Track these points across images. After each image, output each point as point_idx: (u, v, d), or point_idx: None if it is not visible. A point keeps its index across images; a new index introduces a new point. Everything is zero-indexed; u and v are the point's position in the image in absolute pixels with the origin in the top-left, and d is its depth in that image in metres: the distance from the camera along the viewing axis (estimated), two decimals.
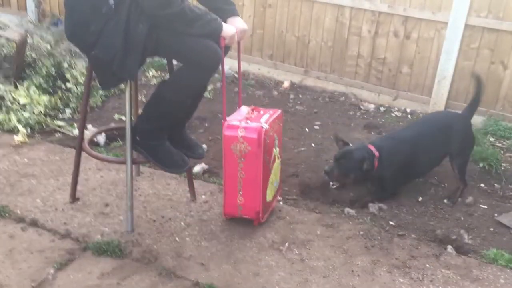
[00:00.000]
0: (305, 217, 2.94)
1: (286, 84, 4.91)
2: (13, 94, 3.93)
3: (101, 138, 3.64)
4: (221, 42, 2.44)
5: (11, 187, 2.99)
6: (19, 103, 3.86)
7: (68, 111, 4.04)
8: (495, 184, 3.47)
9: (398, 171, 3.16)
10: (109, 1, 2.28)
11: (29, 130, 3.64)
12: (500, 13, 4.06)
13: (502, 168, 3.58)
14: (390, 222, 2.98)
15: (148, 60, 4.74)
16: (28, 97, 3.92)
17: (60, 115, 3.99)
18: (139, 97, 3.42)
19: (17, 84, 4.15)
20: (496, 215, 3.13)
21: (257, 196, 2.68)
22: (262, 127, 2.59)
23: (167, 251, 2.55)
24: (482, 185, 3.46)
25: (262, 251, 2.61)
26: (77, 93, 4.18)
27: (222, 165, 2.69)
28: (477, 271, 2.58)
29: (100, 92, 4.25)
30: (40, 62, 4.37)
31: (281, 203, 3.07)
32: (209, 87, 4.53)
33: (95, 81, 2.59)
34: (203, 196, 3.05)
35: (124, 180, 2.92)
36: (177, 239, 2.66)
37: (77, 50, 4.75)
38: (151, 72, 4.78)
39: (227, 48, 2.56)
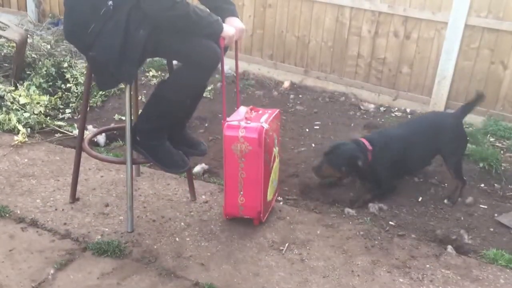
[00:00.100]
0: (305, 217, 2.94)
1: (286, 84, 4.91)
2: (13, 94, 3.93)
3: (101, 138, 3.64)
4: (220, 42, 2.45)
5: (11, 187, 2.99)
6: (19, 103, 3.86)
7: (68, 111, 4.04)
8: (495, 184, 3.47)
9: (391, 166, 3.16)
10: (108, 2, 2.28)
11: (29, 130, 3.64)
12: (500, 13, 4.06)
13: (502, 168, 3.58)
14: (390, 222, 2.98)
15: (148, 60, 4.75)
16: (28, 97, 3.92)
17: (60, 115, 3.99)
18: (139, 97, 3.42)
19: (17, 84, 4.16)
20: (496, 215, 3.13)
21: (259, 195, 2.69)
22: (263, 127, 2.59)
23: (167, 251, 2.55)
24: (482, 185, 3.46)
25: (262, 251, 2.61)
26: (77, 93, 4.18)
27: (222, 165, 2.69)
28: (477, 271, 2.59)
29: (100, 92, 4.25)
30: (40, 62, 4.37)
31: (281, 203, 3.07)
32: (209, 87, 4.53)
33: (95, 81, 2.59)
34: (203, 196, 3.05)
35: (124, 180, 2.92)
36: (177, 239, 2.66)
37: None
38: (151, 72, 4.78)
39: (225, 48, 2.56)
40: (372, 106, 4.60)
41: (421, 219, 3.05)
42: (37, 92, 4.06)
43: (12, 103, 3.87)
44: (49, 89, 4.20)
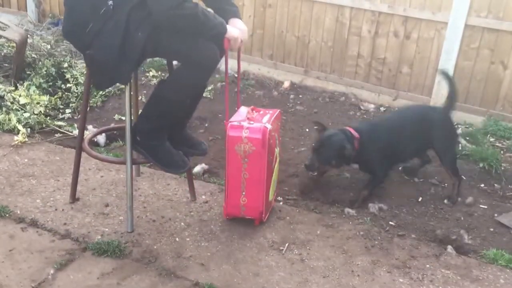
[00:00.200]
0: (305, 217, 2.94)
1: (286, 84, 4.90)
2: (13, 94, 3.93)
3: (101, 138, 3.64)
4: (225, 43, 2.45)
5: (11, 187, 2.99)
6: (19, 103, 3.86)
7: (68, 111, 4.04)
8: (495, 184, 3.47)
9: (378, 153, 3.16)
10: (108, 2, 2.28)
11: (29, 130, 3.64)
12: (500, 13, 4.06)
13: (502, 168, 3.58)
14: (390, 222, 2.98)
15: (148, 60, 4.76)
16: (28, 97, 3.92)
17: (60, 115, 3.99)
18: (139, 97, 3.42)
19: (17, 84, 4.15)
20: (496, 215, 3.13)
21: (261, 196, 2.69)
22: (266, 127, 2.59)
23: (167, 251, 2.55)
24: (482, 185, 3.46)
25: (262, 251, 2.61)
26: (77, 93, 4.18)
27: (223, 166, 2.70)
28: (477, 271, 2.59)
29: (100, 92, 4.25)
30: (40, 62, 4.37)
31: (281, 203, 3.07)
32: (209, 87, 4.53)
33: None
34: (203, 196, 3.05)
35: (124, 180, 2.92)
36: (177, 239, 2.66)
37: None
38: (151, 72, 4.78)
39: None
40: (372, 106, 4.60)
41: (421, 219, 3.05)
42: (37, 92, 4.06)
43: (12, 103, 3.87)
44: (49, 89, 4.20)
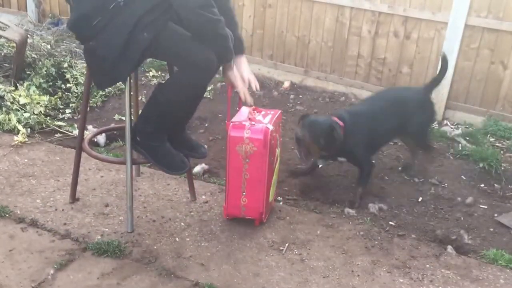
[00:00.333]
0: (305, 217, 2.94)
1: (286, 84, 4.90)
2: (13, 94, 3.93)
3: (101, 138, 3.64)
4: (228, 90, 2.56)
5: (11, 187, 2.99)
6: (19, 103, 3.86)
7: (68, 111, 4.04)
8: (495, 184, 3.47)
9: (363, 141, 3.16)
10: None
11: (29, 130, 3.64)
12: (500, 13, 4.06)
13: (502, 168, 3.58)
14: (390, 222, 2.98)
15: (148, 60, 4.75)
16: (28, 97, 3.92)
17: (60, 115, 3.99)
18: (139, 97, 3.42)
19: (17, 84, 4.15)
20: (496, 215, 3.13)
21: (261, 196, 2.69)
22: (268, 128, 2.59)
23: (167, 251, 2.55)
24: (482, 185, 3.46)
25: (262, 251, 2.61)
26: (77, 93, 4.18)
27: (223, 166, 2.70)
28: (477, 271, 2.59)
29: (100, 92, 4.25)
30: (40, 62, 4.37)
31: (281, 203, 3.07)
32: (209, 87, 4.52)
33: None
34: (203, 197, 3.05)
35: (124, 180, 2.92)
36: (177, 239, 2.66)
37: (78, 50, 4.79)
38: (151, 72, 4.78)
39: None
40: None
41: (421, 219, 3.05)
42: (37, 92, 4.06)
43: (12, 103, 3.87)
44: (49, 89, 4.20)
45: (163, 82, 2.60)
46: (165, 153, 2.58)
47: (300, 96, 4.73)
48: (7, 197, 2.89)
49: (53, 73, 4.29)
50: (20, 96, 3.91)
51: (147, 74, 4.77)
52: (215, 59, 2.37)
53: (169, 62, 2.71)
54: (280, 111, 2.88)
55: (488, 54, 4.18)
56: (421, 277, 2.51)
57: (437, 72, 4.32)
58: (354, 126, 3.12)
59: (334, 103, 4.63)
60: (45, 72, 4.25)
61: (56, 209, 2.82)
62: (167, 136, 2.62)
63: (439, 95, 4.39)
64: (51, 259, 2.44)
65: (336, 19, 4.65)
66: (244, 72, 2.60)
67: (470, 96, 4.35)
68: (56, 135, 3.69)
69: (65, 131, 3.73)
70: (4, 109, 3.82)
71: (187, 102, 2.57)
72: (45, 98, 4.00)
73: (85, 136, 2.83)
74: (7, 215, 2.72)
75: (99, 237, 2.62)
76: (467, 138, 4.02)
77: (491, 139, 4.06)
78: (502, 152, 3.88)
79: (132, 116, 2.60)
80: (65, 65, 4.39)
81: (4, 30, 4.41)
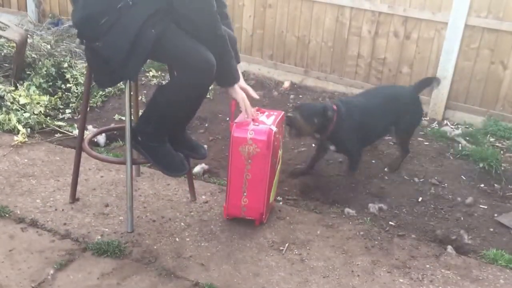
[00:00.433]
0: (305, 217, 2.94)
1: (286, 84, 4.90)
2: (13, 94, 3.93)
3: (101, 138, 3.64)
4: (232, 105, 2.58)
5: (11, 187, 2.99)
6: (19, 103, 3.86)
7: (68, 111, 4.04)
8: (495, 184, 3.47)
9: (354, 131, 3.21)
10: None
11: (29, 130, 3.64)
12: (500, 13, 4.06)
13: (502, 168, 3.58)
14: (390, 222, 2.98)
15: (148, 60, 4.75)
16: (28, 97, 3.92)
17: (60, 115, 3.99)
18: (139, 97, 3.42)
19: (17, 84, 4.15)
20: (496, 215, 3.13)
21: (262, 197, 2.69)
22: (272, 129, 2.59)
23: (167, 252, 2.55)
24: (482, 185, 3.46)
25: (262, 251, 2.61)
26: (77, 93, 4.18)
27: (223, 166, 2.70)
28: (477, 271, 2.59)
29: (100, 92, 4.25)
30: (40, 62, 4.37)
31: (281, 203, 3.07)
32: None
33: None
34: (203, 197, 3.05)
35: (124, 180, 2.92)
36: (177, 239, 2.66)
37: (78, 50, 4.79)
38: (151, 72, 4.78)
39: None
40: None
41: (421, 219, 3.05)
42: (37, 92, 4.06)
43: (12, 103, 3.87)
44: (49, 89, 4.20)
45: (162, 86, 2.59)
46: (165, 154, 2.58)
47: (300, 96, 4.73)
48: (7, 197, 2.89)
49: (53, 73, 4.29)
50: (20, 96, 3.92)
51: (147, 74, 4.77)
52: (215, 61, 2.36)
53: (169, 63, 2.70)
54: (283, 112, 2.88)
55: (488, 54, 4.18)
56: (421, 277, 2.51)
57: (437, 73, 4.36)
58: (347, 114, 3.19)
59: None
60: (45, 72, 4.25)
61: (56, 209, 2.82)
62: (168, 136, 2.62)
63: (439, 95, 4.40)
64: (51, 259, 2.44)
65: (336, 19, 4.65)
66: (240, 83, 2.64)
67: (470, 96, 4.35)
68: (56, 135, 3.69)
69: (65, 131, 3.73)
70: (4, 109, 3.82)
71: (187, 104, 2.56)
72: (45, 98, 4.00)
73: (85, 136, 2.83)
74: (7, 215, 2.72)
75: (99, 237, 2.62)
76: (467, 138, 4.02)
77: (491, 139, 4.06)
78: (502, 152, 3.88)
79: (132, 116, 2.60)
80: (65, 65, 4.39)
81: (4, 30, 4.41)
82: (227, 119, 4.03)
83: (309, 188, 3.26)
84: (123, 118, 3.86)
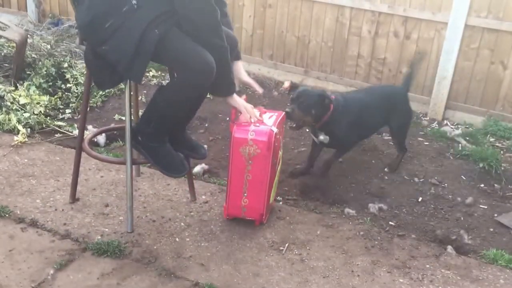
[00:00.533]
0: (305, 217, 2.94)
1: (286, 84, 4.90)
2: (13, 94, 3.93)
3: (101, 138, 3.64)
4: (232, 113, 2.60)
5: (11, 187, 2.99)
6: (19, 103, 3.86)
7: (68, 111, 4.04)
8: (495, 184, 3.47)
9: (349, 125, 3.25)
10: (132, 1, 2.27)
11: (29, 130, 3.64)
12: (500, 13, 4.06)
13: (502, 168, 3.58)
14: (390, 222, 2.98)
15: None
16: (28, 97, 3.92)
17: (60, 115, 3.99)
18: (139, 97, 3.42)
19: (17, 84, 4.15)
20: (496, 215, 3.13)
21: (263, 198, 2.69)
22: (272, 131, 2.59)
23: (167, 252, 2.55)
24: (482, 185, 3.46)
25: (262, 252, 2.61)
26: (77, 93, 4.18)
27: (223, 166, 2.70)
28: (477, 271, 2.59)
29: (100, 92, 4.25)
30: (40, 62, 4.36)
31: (281, 203, 3.07)
32: None
33: None
34: (203, 197, 3.05)
35: (124, 180, 2.92)
36: (177, 239, 2.66)
37: (78, 50, 4.79)
38: (151, 72, 4.78)
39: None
40: None
41: (421, 219, 3.05)
42: (37, 92, 4.06)
43: (12, 103, 3.87)
44: (49, 89, 4.20)
45: (162, 87, 2.59)
46: (166, 154, 2.58)
47: None
48: (7, 197, 2.89)
49: (53, 73, 4.28)
50: (20, 96, 3.91)
51: (147, 74, 4.77)
52: (215, 63, 2.36)
53: (169, 65, 2.70)
54: (284, 112, 2.88)
55: (488, 54, 4.18)
56: (421, 277, 2.51)
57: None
58: (345, 105, 3.24)
59: None
60: (45, 72, 4.25)
61: (56, 209, 2.82)
62: (168, 136, 2.62)
63: (439, 95, 4.40)
64: (51, 259, 2.44)
65: (336, 19, 4.65)
66: (243, 77, 2.69)
67: (470, 96, 4.35)
68: (56, 135, 3.69)
69: (65, 131, 3.73)
70: (4, 109, 3.82)
71: (187, 104, 2.56)
72: (45, 98, 4.00)
73: (85, 136, 2.83)
74: (7, 215, 2.72)
75: (99, 237, 2.62)
76: (467, 138, 4.02)
77: (491, 139, 4.06)
78: (502, 152, 3.88)
79: (132, 116, 2.60)
80: (65, 65, 4.39)
81: (4, 30, 4.41)
82: (227, 119, 4.03)
83: (309, 188, 3.26)
84: (123, 118, 3.86)
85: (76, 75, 4.30)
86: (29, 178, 3.10)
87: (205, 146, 3.44)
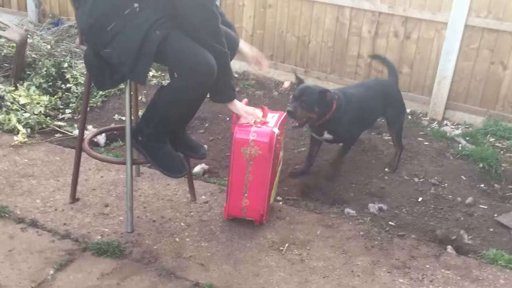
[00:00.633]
0: (305, 217, 2.94)
1: (286, 84, 4.90)
2: (13, 94, 3.93)
3: (101, 139, 3.64)
4: (234, 118, 2.61)
5: (11, 187, 2.99)
6: (19, 103, 3.86)
7: (68, 111, 4.04)
8: (495, 184, 3.47)
9: (352, 120, 3.27)
10: (133, 4, 2.28)
11: (29, 130, 3.64)
12: (500, 14, 4.06)
13: (502, 169, 3.58)
14: (390, 223, 2.98)
15: None
16: (28, 97, 3.92)
17: (60, 115, 3.99)
18: (139, 97, 3.42)
19: (17, 84, 4.15)
20: (496, 215, 3.13)
21: (263, 198, 2.69)
22: (274, 132, 2.59)
23: (167, 252, 2.55)
24: (482, 185, 3.46)
25: (262, 252, 2.61)
26: (77, 93, 4.18)
27: (224, 166, 2.70)
28: (477, 271, 2.58)
29: (100, 92, 4.25)
30: (40, 62, 4.37)
31: (281, 203, 3.07)
32: None
33: None
34: (203, 197, 3.05)
35: (124, 180, 2.92)
36: (177, 239, 2.66)
37: (78, 50, 4.79)
38: (151, 72, 4.78)
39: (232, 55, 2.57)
40: None
41: (421, 219, 3.05)
42: (37, 92, 4.06)
43: (12, 103, 3.87)
44: (49, 89, 4.20)
45: (162, 87, 2.59)
46: (165, 155, 2.58)
47: None
48: (7, 197, 2.89)
49: (53, 73, 4.28)
50: (20, 96, 3.91)
51: (147, 74, 4.76)
52: (215, 63, 2.36)
53: (170, 65, 2.70)
54: (285, 113, 2.88)
55: (488, 54, 4.19)
56: (421, 277, 2.51)
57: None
58: (347, 102, 3.24)
59: None
60: (45, 72, 4.25)
61: (56, 209, 2.82)
62: (168, 136, 2.61)
63: (439, 95, 4.40)
64: (51, 259, 2.44)
65: (336, 19, 4.65)
66: (252, 52, 2.74)
67: (470, 96, 4.35)
68: (56, 135, 3.69)
69: (65, 131, 3.73)
70: (4, 109, 3.82)
71: (187, 104, 2.56)
72: (45, 98, 4.00)
73: (85, 136, 2.83)
74: (7, 215, 2.72)
75: (99, 237, 2.62)
76: (467, 138, 4.02)
77: (491, 139, 4.06)
78: (502, 152, 3.88)
79: (132, 116, 2.60)
80: (65, 65, 4.39)
81: (4, 30, 4.41)
82: (227, 119, 4.03)
83: (309, 188, 3.26)
84: (123, 118, 3.86)
85: (76, 75, 4.30)
86: (29, 178, 3.10)
87: (205, 146, 3.44)
